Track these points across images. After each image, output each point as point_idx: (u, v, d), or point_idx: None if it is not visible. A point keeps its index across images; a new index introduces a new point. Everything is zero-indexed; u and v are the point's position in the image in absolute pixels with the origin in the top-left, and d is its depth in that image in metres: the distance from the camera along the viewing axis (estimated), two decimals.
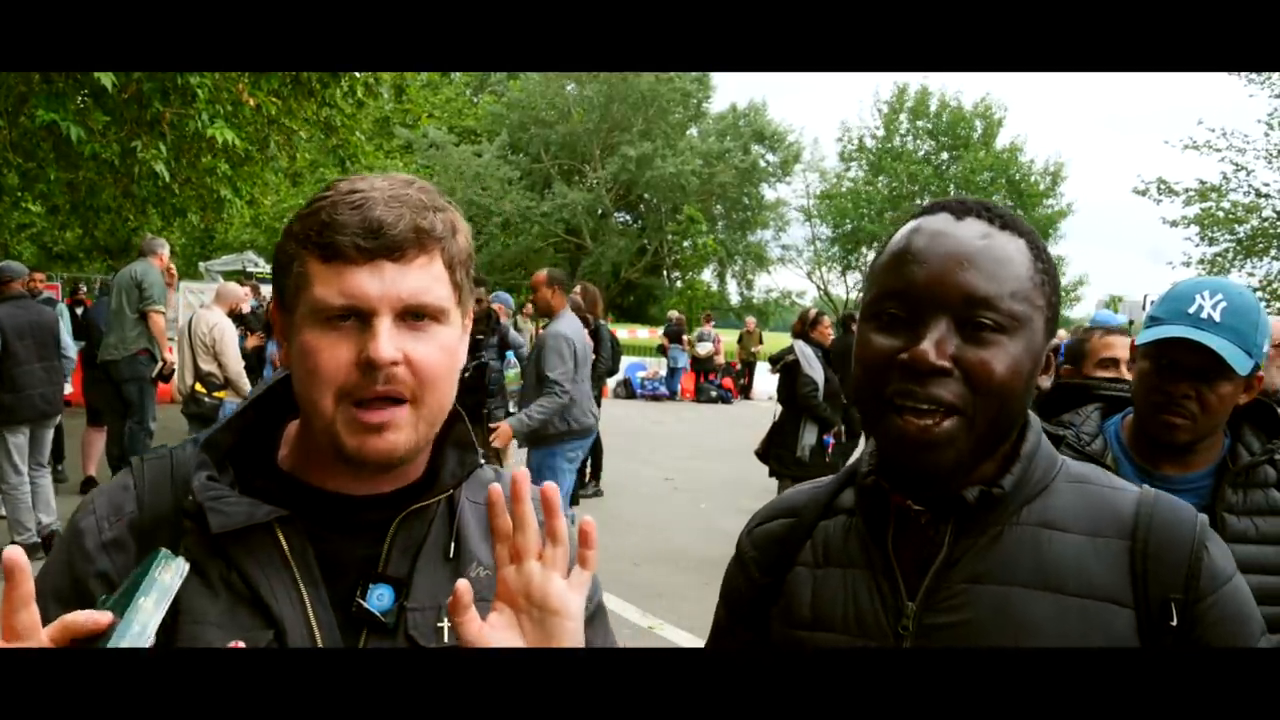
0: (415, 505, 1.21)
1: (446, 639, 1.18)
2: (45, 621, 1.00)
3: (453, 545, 1.24)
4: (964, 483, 1.16)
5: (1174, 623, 1.09)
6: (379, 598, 1.16)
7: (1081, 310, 42.12)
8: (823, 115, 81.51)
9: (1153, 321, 1.99)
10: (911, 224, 1.19)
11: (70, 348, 9.27)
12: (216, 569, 1.12)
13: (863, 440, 1.40)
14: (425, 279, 1.12)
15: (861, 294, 1.19)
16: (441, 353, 1.14)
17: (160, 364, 8.30)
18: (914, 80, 45.77)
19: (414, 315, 1.12)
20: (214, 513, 1.11)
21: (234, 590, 1.12)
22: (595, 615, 1.31)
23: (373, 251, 1.09)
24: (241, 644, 1.09)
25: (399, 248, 1.10)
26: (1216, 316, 1.89)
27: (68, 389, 9.44)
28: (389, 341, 1.08)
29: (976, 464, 1.15)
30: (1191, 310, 1.91)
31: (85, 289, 16.43)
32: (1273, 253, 21.71)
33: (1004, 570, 1.14)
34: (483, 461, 1.31)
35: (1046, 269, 1.16)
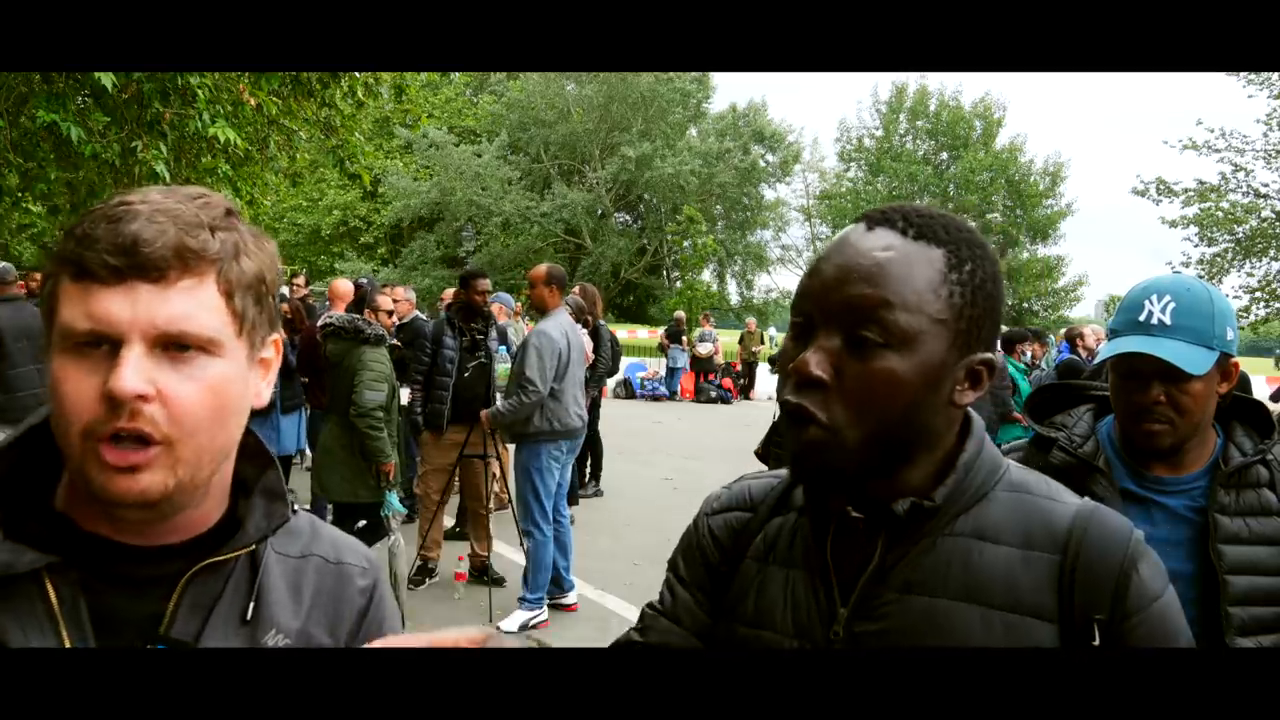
0: (211, 559, 1.06)
1: None
2: None
3: (251, 606, 1.09)
4: (895, 492, 1.15)
5: (1095, 641, 1.09)
6: None
7: (1081, 310, 42.13)
8: (822, 115, 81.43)
9: (1111, 334, 1.99)
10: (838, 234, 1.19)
11: None
12: None
13: None
14: (189, 304, 0.98)
15: None
16: (207, 392, 0.99)
17: None
18: (913, 80, 45.87)
19: (176, 345, 0.97)
20: None
21: None
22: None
23: (124, 271, 0.95)
24: None
25: (156, 267, 0.96)
26: (1166, 319, 1.89)
27: None
28: (134, 373, 0.94)
29: (872, 475, 1.14)
30: (1142, 318, 1.92)
31: None
32: (1272, 253, 21.73)
33: (933, 581, 1.14)
34: (294, 511, 1.19)
35: (966, 280, 1.11)
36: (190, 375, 0.98)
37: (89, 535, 1.03)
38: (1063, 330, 13.51)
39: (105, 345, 0.96)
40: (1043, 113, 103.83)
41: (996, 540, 1.14)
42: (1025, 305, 42.26)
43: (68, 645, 0.98)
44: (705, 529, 1.37)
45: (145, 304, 0.96)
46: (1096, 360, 2.00)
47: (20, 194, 11.57)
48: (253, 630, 1.10)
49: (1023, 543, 1.14)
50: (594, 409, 9.24)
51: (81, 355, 0.96)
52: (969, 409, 1.21)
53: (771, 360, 8.28)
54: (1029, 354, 10.27)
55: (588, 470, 10.15)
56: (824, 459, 1.11)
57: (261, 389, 1.09)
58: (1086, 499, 1.20)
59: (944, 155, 45.50)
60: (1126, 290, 2.04)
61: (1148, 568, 1.13)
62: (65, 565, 1.00)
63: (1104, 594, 1.10)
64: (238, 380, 1.04)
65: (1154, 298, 1.93)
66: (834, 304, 1.10)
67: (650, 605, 1.39)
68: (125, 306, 0.95)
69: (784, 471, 1.35)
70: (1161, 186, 21.91)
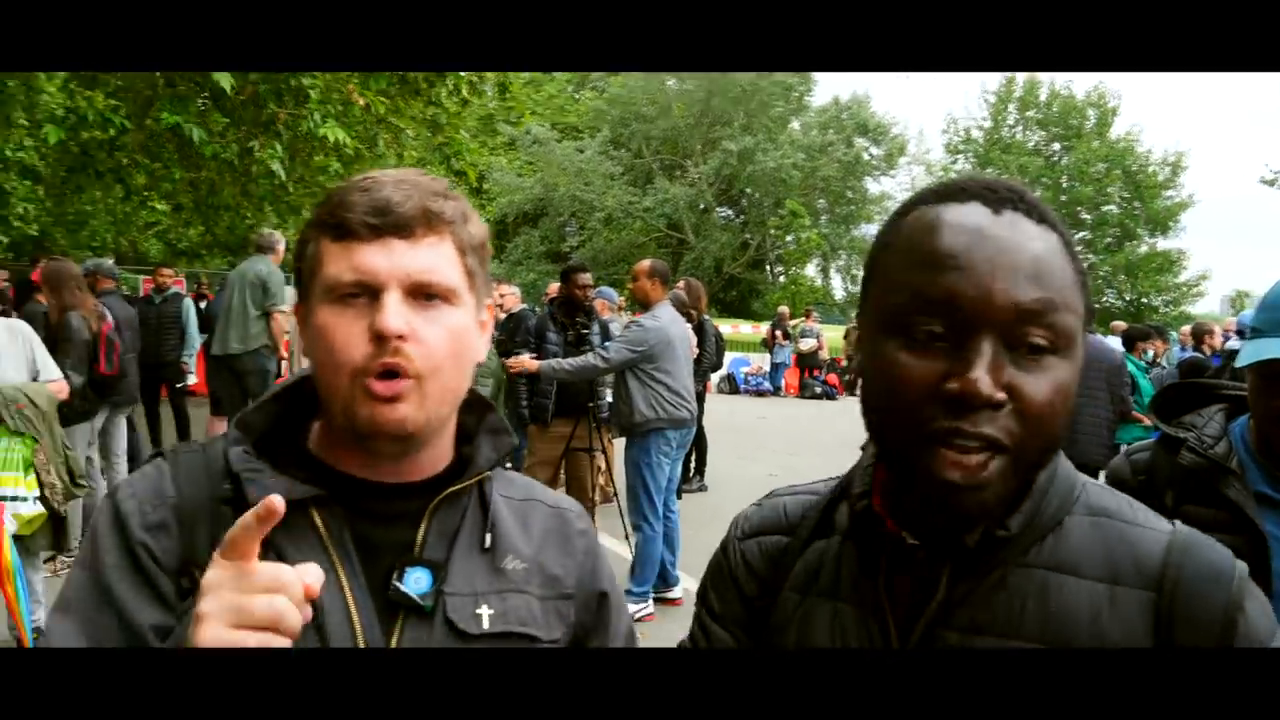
0: (453, 488, 1.21)
1: (486, 626, 1.18)
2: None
3: (488, 536, 1.24)
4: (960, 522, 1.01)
5: None
6: (416, 581, 1.16)
7: (1204, 306, 40.47)
8: (928, 107, 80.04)
9: (1254, 333, 1.87)
10: (933, 213, 1.00)
11: (195, 339, 9.70)
12: None
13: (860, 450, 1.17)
14: (434, 258, 1.13)
15: (865, 294, 1.07)
16: (449, 335, 1.14)
17: (277, 360, 8.83)
18: None
19: (423, 294, 1.12)
20: (252, 484, 1.12)
21: None
22: (600, 605, 1.33)
23: (381, 229, 1.11)
24: None
25: (407, 225, 1.12)
26: None
27: (191, 379, 9.89)
28: (396, 314, 1.09)
29: (1016, 502, 1.01)
30: None
31: (206, 283, 17.12)
32: None
33: (1007, 620, 1.00)
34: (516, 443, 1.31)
35: (1083, 270, 1.00)
36: (435, 320, 1.13)
37: (342, 475, 1.19)
38: (1186, 327, 12.95)
39: (364, 296, 1.10)
40: (1161, 100, 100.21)
41: (1077, 573, 1.00)
42: (1145, 301, 40.76)
43: (338, 567, 1.13)
44: (738, 555, 1.24)
45: (399, 256, 1.11)
46: (1242, 362, 1.86)
47: (147, 193, 12.11)
48: (492, 556, 1.23)
49: (1108, 576, 0.99)
50: (698, 403, 9.24)
51: (345, 305, 1.11)
52: None
53: None
54: (1150, 352, 9.89)
55: (692, 464, 10.15)
56: (999, 490, 0.95)
57: (481, 347, 1.23)
58: (1178, 524, 1.05)
59: (1056, 146, 44.15)
60: (1258, 286, 1.93)
61: (1255, 606, 0.98)
62: (329, 499, 1.15)
63: (1209, 638, 0.95)
64: (471, 330, 1.19)
65: None
66: (995, 307, 0.93)
67: (681, 646, 1.28)
68: (383, 258, 1.11)
69: (819, 486, 1.24)
70: None
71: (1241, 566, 0.99)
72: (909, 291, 0.97)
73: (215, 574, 0.94)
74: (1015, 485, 0.97)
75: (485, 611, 1.19)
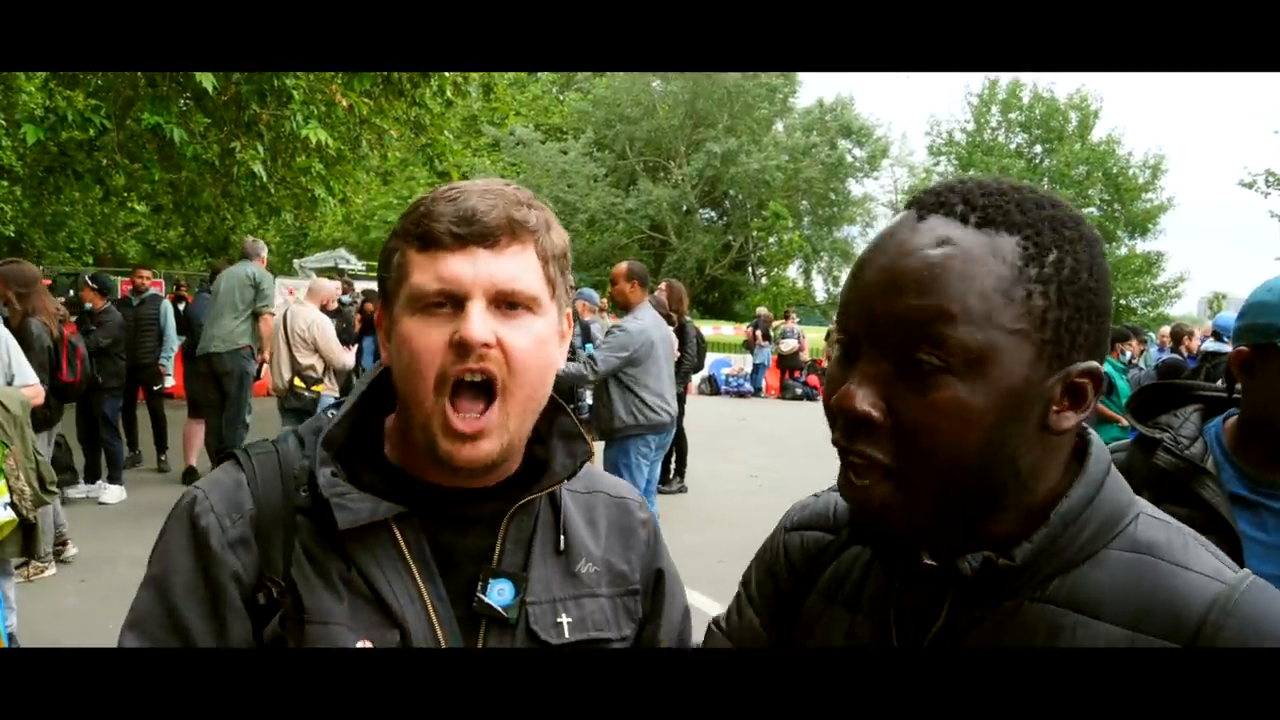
0: (528, 497, 1.21)
1: (567, 634, 1.19)
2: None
3: (562, 539, 1.24)
4: (978, 541, 0.94)
5: None
6: (499, 593, 1.16)
7: (1182, 307, 40.73)
8: (911, 109, 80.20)
9: (1261, 333, 1.83)
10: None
11: (173, 341, 9.64)
12: (336, 568, 1.12)
13: None
14: (517, 267, 1.13)
15: None
16: (533, 342, 1.14)
17: (259, 363, 8.81)
18: (1005, 72, 44.81)
19: (507, 303, 1.12)
20: (340, 509, 1.11)
21: (355, 589, 1.12)
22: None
23: (466, 238, 1.11)
24: (369, 643, 1.09)
25: (491, 235, 1.11)
26: None
27: (169, 382, 9.83)
28: (481, 323, 1.09)
29: (951, 528, 0.94)
30: None
31: (185, 284, 17.03)
32: None
33: None
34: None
35: (1050, 275, 0.88)
36: (519, 328, 1.13)
37: (420, 484, 1.19)
38: (1165, 328, 13.02)
39: (449, 305, 1.10)
40: (1142, 103, 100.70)
41: (1096, 615, 0.90)
42: (1123, 302, 41.01)
43: (419, 581, 1.13)
44: (781, 546, 1.22)
45: (484, 265, 1.11)
46: None
47: (126, 194, 12.04)
48: (566, 559, 1.25)
49: (1131, 622, 0.88)
50: (679, 404, 9.25)
51: (430, 314, 1.11)
52: (1091, 437, 0.99)
53: None
54: (1128, 353, 9.95)
55: (672, 466, 10.16)
56: (887, 517, 0.91)
57: (561, 355, 1.23)
58: (1246, 573, 0.91)
59: (1038, 149, 44.40)
60: (1235, 288, 1.93)
61: None
62: (409, 513, 1.15)
63: None
64: (553, 339, 1.19)
65: None
66: (878, 320, 0.88)
67: (716, 621, 1.28)
68: (468, 267, 1.10)
69: None
70: (1271, 178, 21.08)
71: None
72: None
73: None
74: (927, 511, 0.91)
75: (565, 620, 1.20)
